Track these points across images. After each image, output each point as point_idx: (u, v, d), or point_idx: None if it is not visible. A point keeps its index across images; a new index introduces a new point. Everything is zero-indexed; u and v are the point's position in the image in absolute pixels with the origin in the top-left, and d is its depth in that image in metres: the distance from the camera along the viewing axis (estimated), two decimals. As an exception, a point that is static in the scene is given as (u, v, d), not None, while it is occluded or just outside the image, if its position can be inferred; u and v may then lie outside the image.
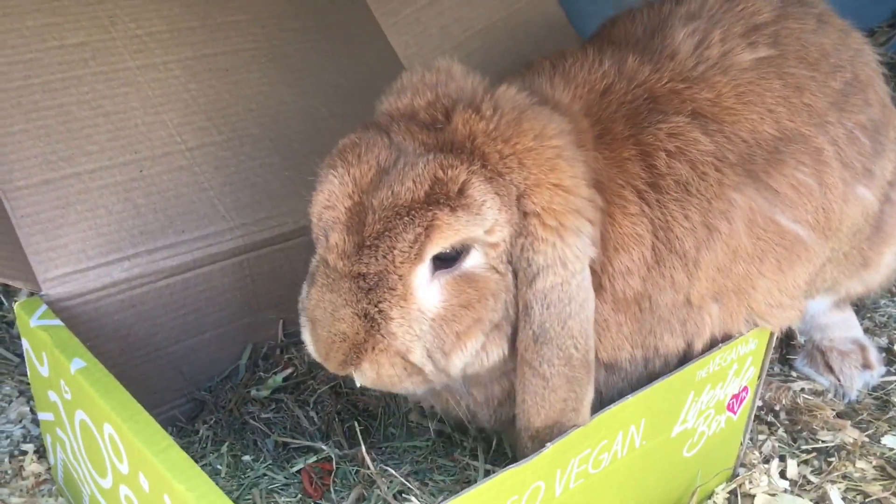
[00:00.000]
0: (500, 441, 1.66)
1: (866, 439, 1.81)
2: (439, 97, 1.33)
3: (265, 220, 1.83)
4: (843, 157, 1.57)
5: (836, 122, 1.58)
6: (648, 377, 1.46)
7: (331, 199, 1.30)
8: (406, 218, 1.23)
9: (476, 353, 1.32)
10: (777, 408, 1.88)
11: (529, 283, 1.28)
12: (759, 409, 1.86)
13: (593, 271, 1.34)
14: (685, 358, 1.48)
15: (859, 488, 1.70)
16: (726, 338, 1.49)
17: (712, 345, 1.48)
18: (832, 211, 1.55)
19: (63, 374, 1.38)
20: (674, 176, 1.41)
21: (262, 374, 1.84)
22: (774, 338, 1.58)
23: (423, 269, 1.27)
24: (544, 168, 1.27)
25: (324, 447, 1.66)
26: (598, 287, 1.36)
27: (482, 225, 1.25)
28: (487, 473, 1.57)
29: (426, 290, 1.28)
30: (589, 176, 1.32)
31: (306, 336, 1.35)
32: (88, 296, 1.60)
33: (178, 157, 1.79)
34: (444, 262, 1.27)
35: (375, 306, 1.26)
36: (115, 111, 1.75)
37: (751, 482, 1.69)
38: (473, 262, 1.29)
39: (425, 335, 1.28)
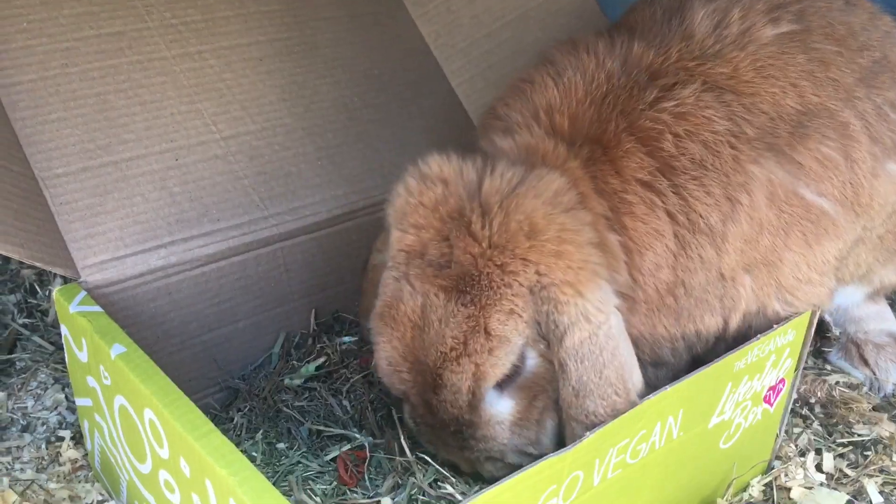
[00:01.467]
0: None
1: (903, 433, 1.79)
2: (442, 223, 1.36)
3: (299, 209, 1.83)
4: (871, 132, 1.56)
5: (864, 98, 1.57)
6: (693, 362, 1.46)
7: (391, 363, 1.41)
8: (458, 370, 1.33)
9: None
10: (812, 401, 1.87)
11: (560, 343, 1.33)
12: (794, 402, 1.85)
13: (624, 295, 1.38)
14: (722, 335, 1.48)
15: (897, 482, 1.68)
16: (760, 313, 1.49)
17: (745, 321, 1.48)
18: (860, 185, 1.54)
19: (103, 360, 1.39)
20: (688, 155, 1.42)
21: (294, 362, 1.84)
22: (812, 329, 1.56)
23: (486, 402, 1.37)
24: (549, 257, 1.31)
25: (357, 435, 1.66)
26: (633, 307, 1.40)
27: (521, 341, 1.34)
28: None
29: (497, 406, 1.38)
30: (593, 222, 1.36)
31: None
32: (126, 283, 1.61)
33: (213, 146, 1.79)
34: (509, 375, 1.37)
35: (466, 438, 1.40)
36: (151, 100, 1.76)
37: (786, 475, 1.68)
38: (531, 362, 1.38)
39: (511, 440, 1.42)
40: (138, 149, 1.71)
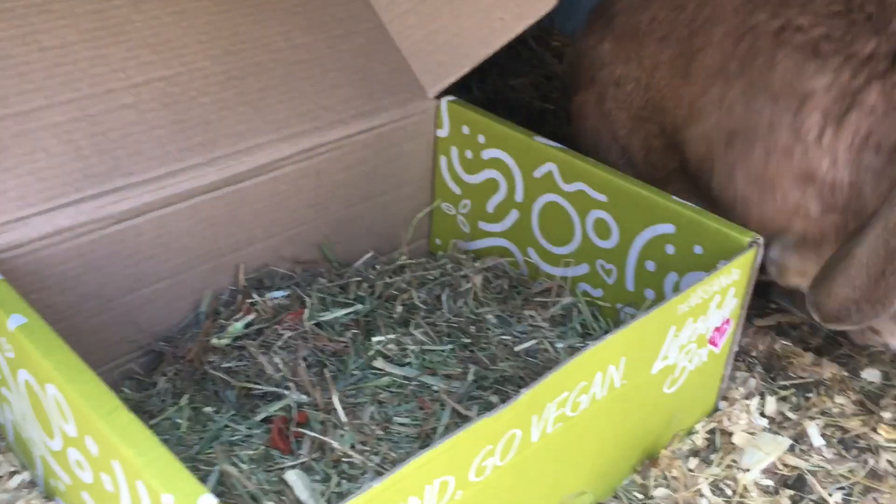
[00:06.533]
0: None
1: (845, 374, 1.77)
2: None
3: (220, 159, 1.72)
4: None
5: None
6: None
7: None
8: None
9: None
10: (754, 354, 1.83)
11: None
12: (737, 354, 1.81)
13: None
14: None
15: (838, 424, 1.66)
16: None
17: None
18: None
19: (2, 332, 1.29)
20: None
21: (223, 321, 1.75)
22: (757, 267, 1.52)
23: None
24: None
25: (285, 392, 1.59)
26: None
27: None
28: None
29: None
30: None
31: None
32: (30, 245, 1.50)
33: (123, 94, 1.67)
34: None
35: None
36: (51, 46, 1.62)
37: (730, 420, 1.65)
38: None
39: None
40: (39, 99, 1.58)
